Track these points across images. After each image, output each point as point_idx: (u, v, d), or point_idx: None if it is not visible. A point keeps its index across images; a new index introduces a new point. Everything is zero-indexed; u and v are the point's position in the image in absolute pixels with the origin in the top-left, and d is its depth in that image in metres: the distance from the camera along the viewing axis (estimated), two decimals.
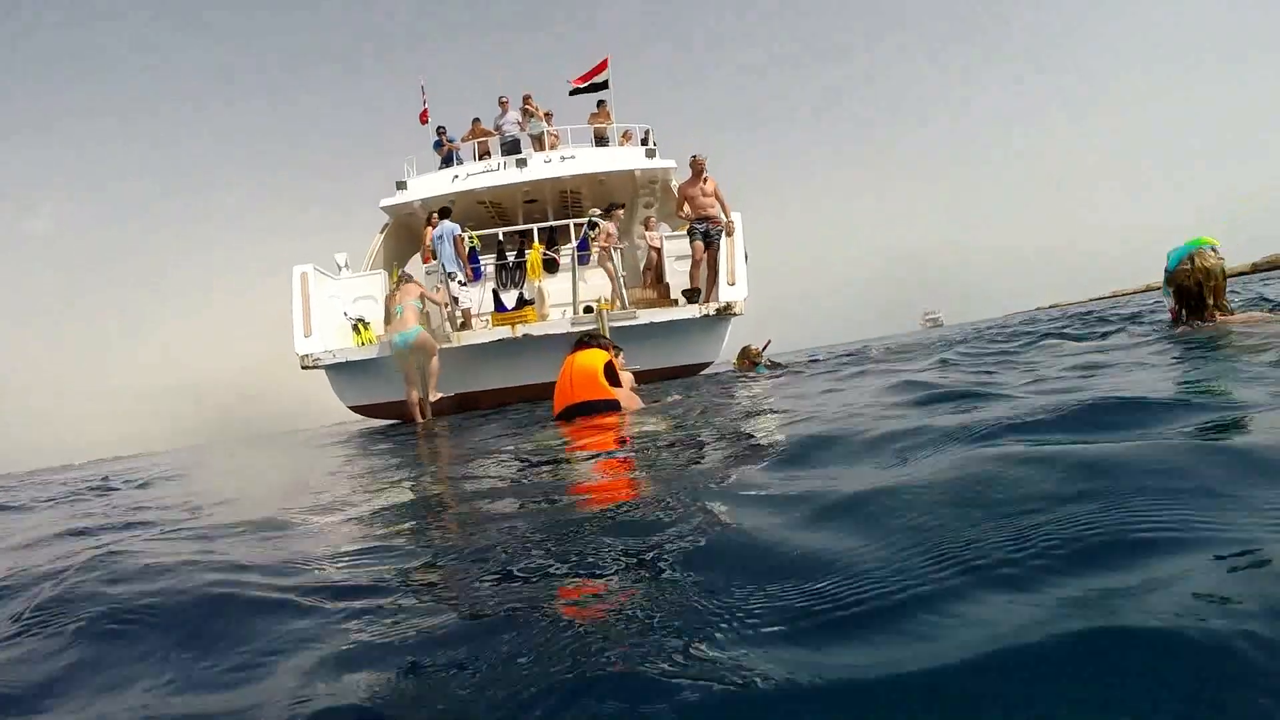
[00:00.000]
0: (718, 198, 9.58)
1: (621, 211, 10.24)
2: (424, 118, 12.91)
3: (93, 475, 7.17)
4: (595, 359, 4.50)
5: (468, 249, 10.05)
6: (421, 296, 8.54)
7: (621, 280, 9.79)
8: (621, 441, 3.04)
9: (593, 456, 2.74)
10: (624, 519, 1.47)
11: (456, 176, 11.66)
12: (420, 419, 8.39)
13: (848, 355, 7.89)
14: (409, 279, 9.09)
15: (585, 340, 4.84)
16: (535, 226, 10.74)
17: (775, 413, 3.35)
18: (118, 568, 1.55)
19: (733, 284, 9.50)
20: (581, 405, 4.34)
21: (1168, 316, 3.52)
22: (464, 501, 2.22)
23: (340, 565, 1.39)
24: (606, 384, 4.39)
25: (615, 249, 9.73)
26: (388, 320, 8.57)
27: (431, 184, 11.67)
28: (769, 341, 8.05)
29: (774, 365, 7.34)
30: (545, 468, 2.58)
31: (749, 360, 7.61)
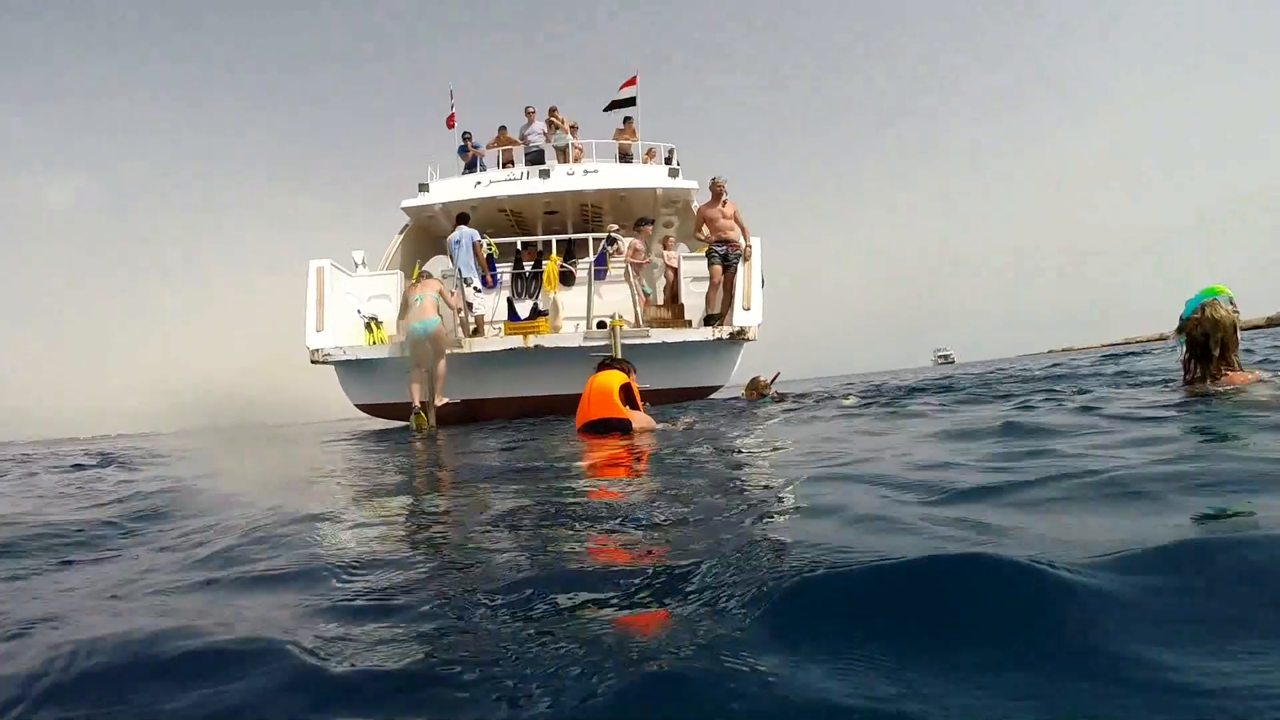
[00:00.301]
0: (737, 221, 9.58)
1: (650, 228, 10.22)
2: (450, 122, 13.00)
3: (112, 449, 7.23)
4: (612, 380, 4.69)
5: (485, 256, 10.09)
6: (440, 293, 8.51)
7: (645, 296, 9.75)
8: (625, 458, 3.20)
9: (595, 468, 2.87)
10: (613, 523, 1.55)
11: (479, 182, 11.72)
12: (421, 425, 8.37)
13: (858, 391, 7.88)
14: (428, 275, 9.10)
15: (608, 362, 5.09)
16: (554, 238, 10.77)
17: (774, 440, 3.50)
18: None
19: (748, 309, 9.46)
20: (598, 422, 4.55)
21: (1180, 368, 3.44)
22: (472, 499, 2.25)
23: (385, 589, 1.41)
24: (620, 404, 4.54)
25: (631, 264, 9.72)
26: (403, 311, 8.51)
27: (454, 188, 11.73)
28: (778, 374, 8.12)
29: (780, 397, 7.35)
30: (561, 481, 2.65)
31: (757, 391, 7.67)
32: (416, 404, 8.26)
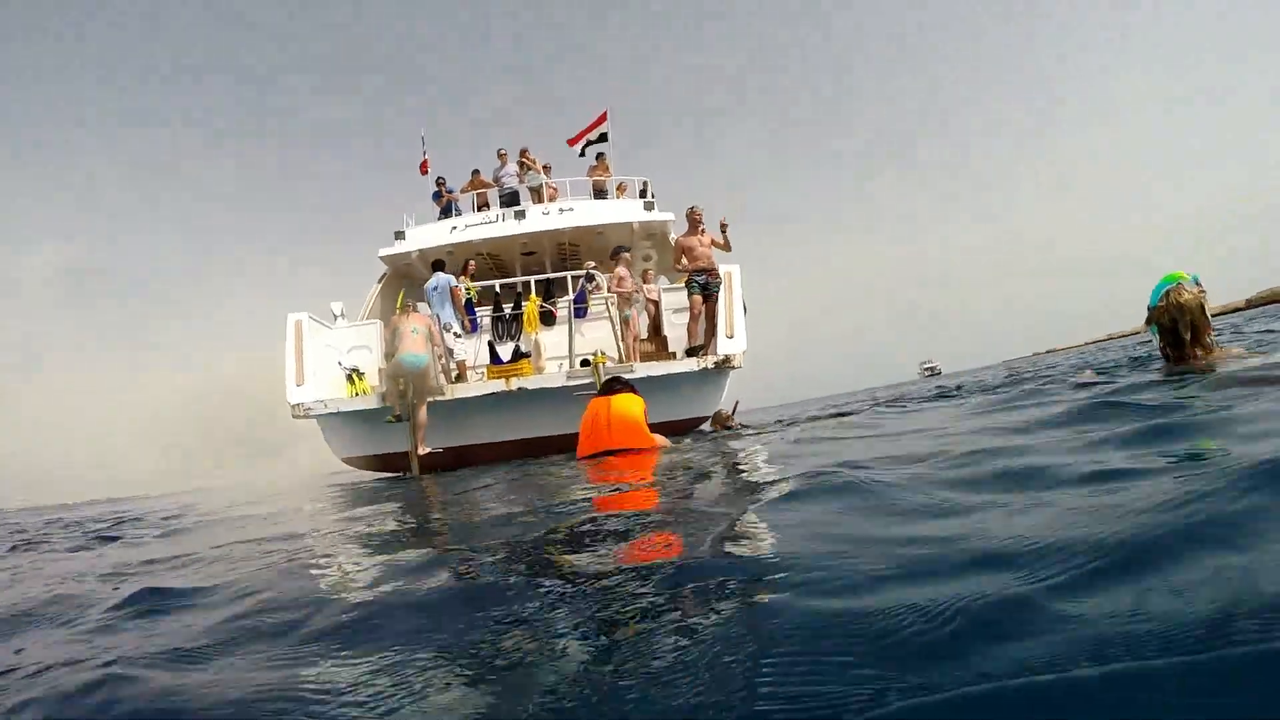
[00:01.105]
0: (716, 245, 9.49)
1: (628, 254, 10.06)
2: (424, 168, 12.95)
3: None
4: (636, 406, 4.26)
5: (464, 300, 9.94)
6: (430, 330, 8.29)
7: (636, 325, 9.56)
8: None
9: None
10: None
11: (455, 227, 11.61)
12: (400, 418, 8.19)
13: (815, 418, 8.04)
14: (414, 309, 8.90)
15: (616, 385, 4.60)
16: (532, 279, 10.63)
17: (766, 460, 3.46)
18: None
19: (731, 336, 9.31)
20: (619, 452, 4.12)
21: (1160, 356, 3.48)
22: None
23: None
24: (649, 432, 4.20)
25: (618, 293, 9.50)
26: (393, 341, 8.13)
27: (430, 234, 11.62)
28: (737, 403, 8.27)
29: (743, 427, 7.45)
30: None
31: (721, 423, 7.71)
32: (397, 410, 8.18)
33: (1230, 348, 3.27)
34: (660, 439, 4.39)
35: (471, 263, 10.64)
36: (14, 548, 4.13)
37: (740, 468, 2.86)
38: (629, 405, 4.27)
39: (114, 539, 3.99)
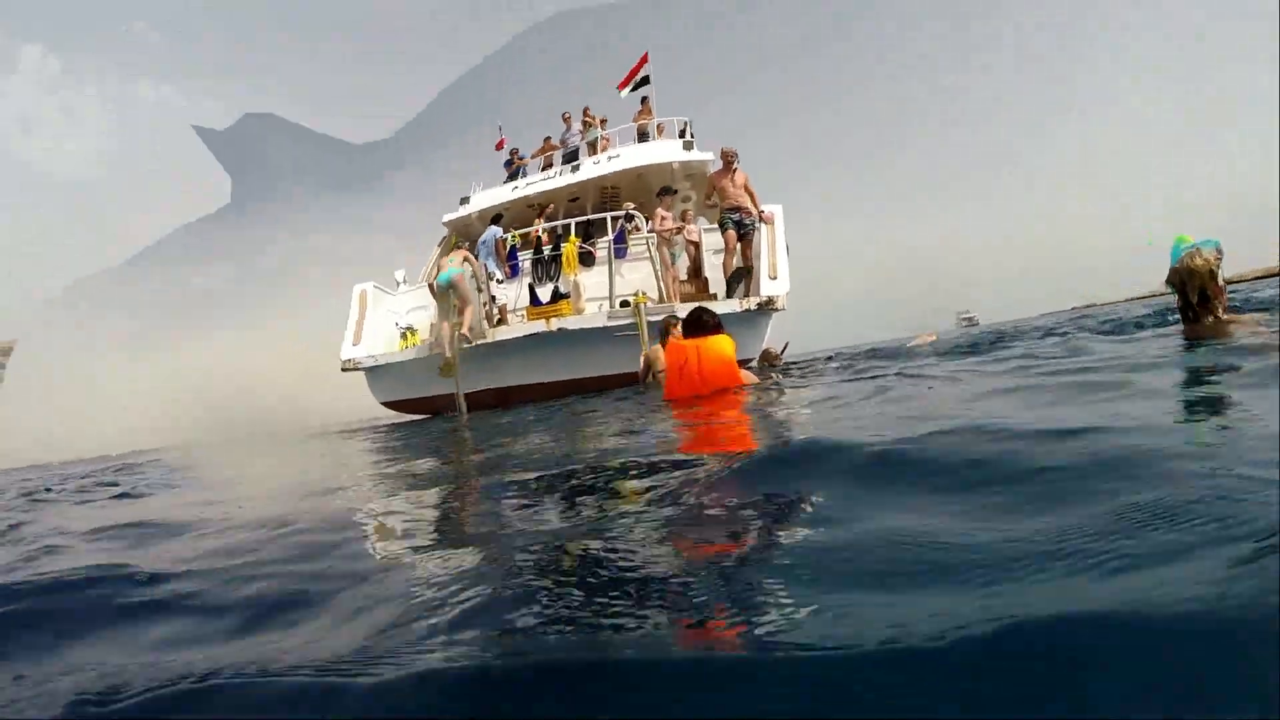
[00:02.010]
0: (748, 190, 9.08)
1: (671, 198, 9.65)
2: (499, 145, 13.23)
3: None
4: (728, 347, 3.76)
5: (508, 248, 9.99)
6: (465, 259, 8.62)
7: (677, 267, 9.35)
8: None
9: None
10: None
11: (516, 187, 11.71)
12: (450, 371, 8.23)
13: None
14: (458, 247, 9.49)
15: (702, 320, 3.99)
16: (572, 220, 10.38)
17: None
18: None
19: (774, 278, 8.84)
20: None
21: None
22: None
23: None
24: (743, 375, 3.88)
25: (659, 234, 9.19)
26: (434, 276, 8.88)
27: (491, 196, 11.78)
28: (786, 344, 8.02)
29: (784, 367, 7.25)
30: None
31: (769, 362, 7.51)
32: (447, 353, 8.25)
33: (1247, 316, 3.28)
34: (748, 375, 4.08)
35: (550, 206, 10.76)
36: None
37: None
38: (722, 347, 3.74)
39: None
